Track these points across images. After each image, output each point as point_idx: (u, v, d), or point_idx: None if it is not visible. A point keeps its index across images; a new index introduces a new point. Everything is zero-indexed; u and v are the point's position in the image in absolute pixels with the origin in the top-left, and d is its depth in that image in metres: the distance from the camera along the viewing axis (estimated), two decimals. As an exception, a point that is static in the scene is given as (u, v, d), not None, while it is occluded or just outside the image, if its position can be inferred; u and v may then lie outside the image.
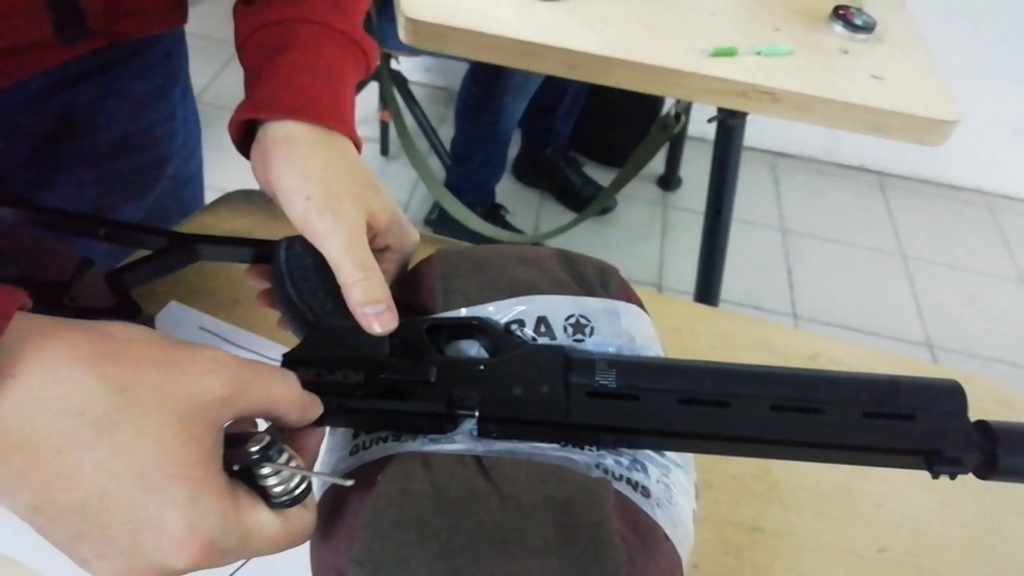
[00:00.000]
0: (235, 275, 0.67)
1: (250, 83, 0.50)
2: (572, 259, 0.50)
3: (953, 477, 0.38)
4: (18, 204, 0.50)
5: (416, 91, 2.04)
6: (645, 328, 0.48)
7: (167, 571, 0.30)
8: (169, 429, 0.29)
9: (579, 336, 0.45)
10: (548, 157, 2.16)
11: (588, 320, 0.46)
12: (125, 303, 0.46)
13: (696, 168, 2.28)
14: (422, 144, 2.00)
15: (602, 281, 0.49)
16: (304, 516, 0.35)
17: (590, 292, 0.48)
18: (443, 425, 0.40)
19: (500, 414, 0.39)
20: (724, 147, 1.28)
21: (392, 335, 0.42)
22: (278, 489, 0.33)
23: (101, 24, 0.58)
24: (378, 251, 0.46)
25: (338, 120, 0.47)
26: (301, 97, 0.46)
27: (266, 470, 0.33)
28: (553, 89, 1.98)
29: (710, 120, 1.27)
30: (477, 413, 0.39)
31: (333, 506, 0.41)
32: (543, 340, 0.45)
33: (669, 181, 2.30)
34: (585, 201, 2.08)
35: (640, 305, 0.50)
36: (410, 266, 0.50)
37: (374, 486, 0.39)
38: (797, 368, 0.40)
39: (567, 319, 0.46)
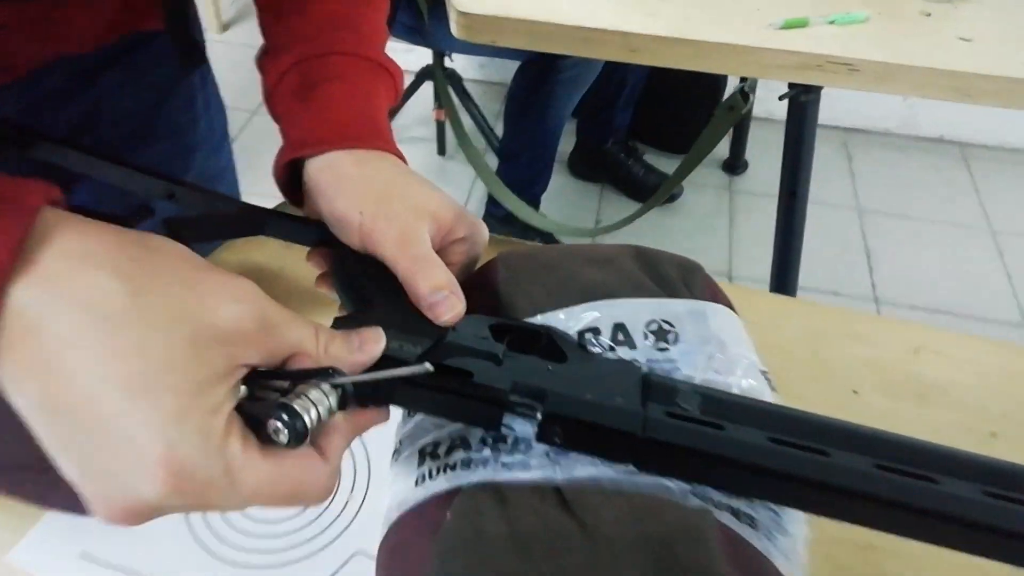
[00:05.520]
0: (295, 287, 0.65)
1: (285, 126, 0.50)
2: (649, 257, 0.45)
3: None
4: (87, 151, 0.50)
5: (471, 88, 2.01)
6: (736, 331, 0.43)
7: (140, 501, 0.27)
8: (179, 344, 0.28)
9: (662, 344, 0.41)
10: (607, 150, 2.09)
11: (672, 325, 0.41)
12: None
13: (762, 150, 2.19)
14: (478, 142, 1.96)
15: (685, 280, 0.44)
16: (309, 464, 0.31)
17: (672, 293, 0.43)
18: (500, 417, 0.35)
19: (567, 413, 0.34)
20: (797, 125, 1.20)
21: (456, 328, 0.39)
22: (281, 420, 0.30)
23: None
24: (450, 245, 0.44)
25: (377, 139, 0.47)
26: (337, 127, 0.47)
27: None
28: (612, 81, 1.91)
29: (782, 97, 1.19)
30: (540, 413, 0.34)
31: (398, 545, 0.37)
32: (622, 350, 0.40)
33: (735, 165, 2.21)
34: (648, 191, 2.01)
35: (728, 304, 0.45)
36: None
37: (442, 524, 0.35)
38: (904, 436, 0.34)
39: (648, 325, 0.41)
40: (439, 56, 1.68)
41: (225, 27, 2.62)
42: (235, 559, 0.49)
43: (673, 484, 0.35)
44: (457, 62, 1.93)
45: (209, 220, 0.48)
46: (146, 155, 0.67)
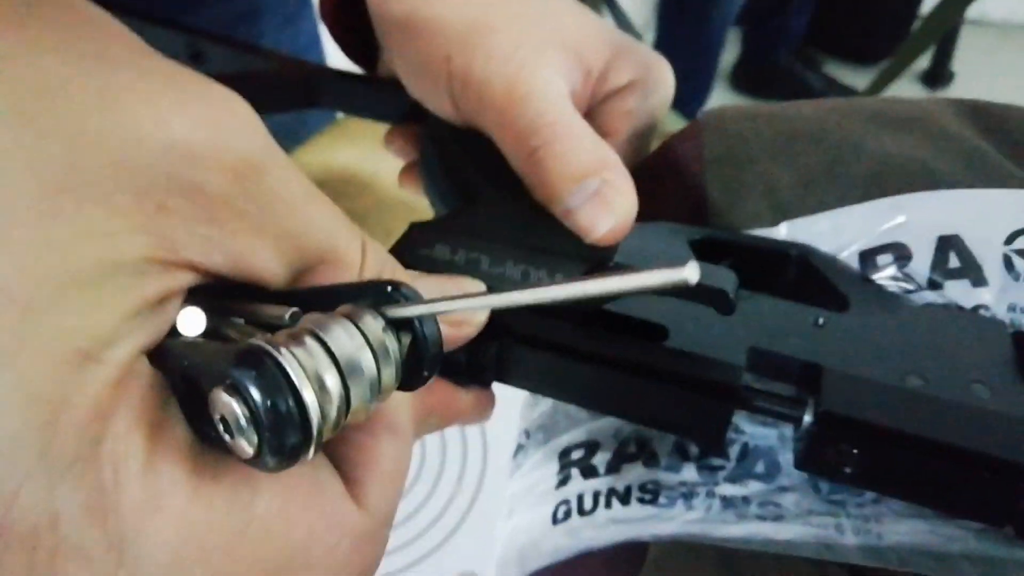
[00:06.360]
0: (394, 203, 0.49)
1: None
2: (996, 114, 0.25)
3: None
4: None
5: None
6: None
7: None
8: (29, 172, 0.12)
9: (1045, 277, 0.21)
10: (779, 61, 1.82)
11: (1065, 241, 0.21)
12: None
13: (972, 58, 1.86)
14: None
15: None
16: (314, 504, 0.14)
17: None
18: (726, 418, 0.20)
19: (866, 417, 0.18)
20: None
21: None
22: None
23: None
24: (606, 101, 0.27)
25: None
26: None
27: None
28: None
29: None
30: (810, 414, 0.19)
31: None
32: (956, 288, 0.21)
33: (938, 76, 1.87)
34: (829, 108, 1.73)
35: None
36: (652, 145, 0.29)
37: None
38: None
39: (1011, 240, 0.21)
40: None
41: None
42: None
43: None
44: (603, -39, 1.71)
45: (244, 85, 0.32)
46: (196, 20, 0.52)
